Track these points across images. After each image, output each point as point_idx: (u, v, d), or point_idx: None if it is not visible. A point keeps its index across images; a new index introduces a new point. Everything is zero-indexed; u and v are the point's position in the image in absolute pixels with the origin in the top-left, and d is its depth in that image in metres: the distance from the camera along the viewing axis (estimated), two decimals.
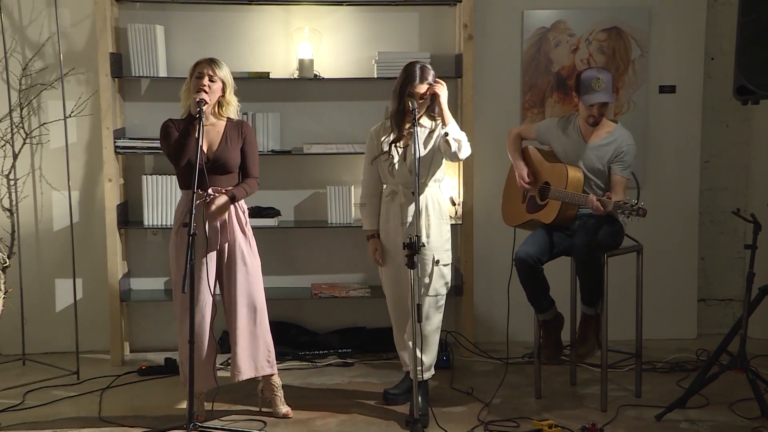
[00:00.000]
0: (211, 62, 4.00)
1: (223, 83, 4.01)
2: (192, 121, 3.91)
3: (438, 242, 4.11)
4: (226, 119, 4.09)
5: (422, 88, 4.01)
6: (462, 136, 4.03)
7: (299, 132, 5.19)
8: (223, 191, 4.00)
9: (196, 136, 3.85)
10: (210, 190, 3.98)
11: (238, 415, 4.21)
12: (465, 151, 4.03)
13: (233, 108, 4.09)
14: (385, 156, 4.11)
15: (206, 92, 3.93)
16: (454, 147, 3.97)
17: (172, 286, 4.12)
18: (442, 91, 4.03)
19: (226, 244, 4.06)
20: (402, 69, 4.10)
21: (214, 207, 3.97)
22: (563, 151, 4.33)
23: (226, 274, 4.09)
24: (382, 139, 4.13)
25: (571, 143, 4.31)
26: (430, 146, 4.09)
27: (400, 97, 4.05)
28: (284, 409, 4.20)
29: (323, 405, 4.35)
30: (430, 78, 4.03)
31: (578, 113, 4.32)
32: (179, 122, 4.02)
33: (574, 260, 4.28)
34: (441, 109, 4.02)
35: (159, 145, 4.80)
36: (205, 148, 4.01)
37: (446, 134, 3.97)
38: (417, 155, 3.85)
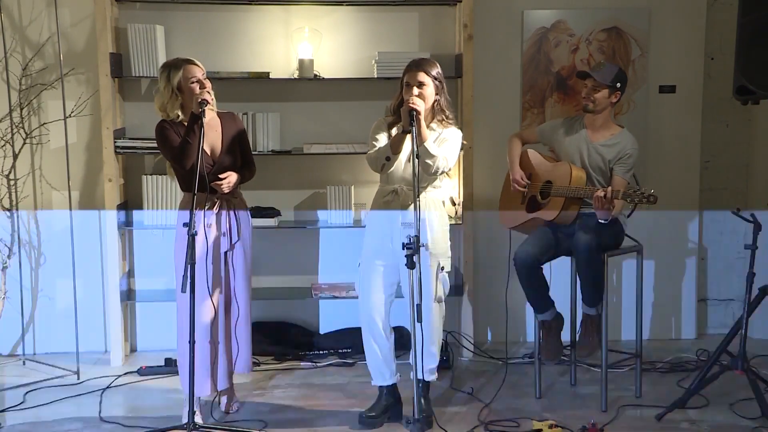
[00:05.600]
0: (195, 63, 4.01)
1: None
2: (196, 121, 3.88)
3: (442, 248, 4.05)
4: (216, 114, 4.11)
5: (418, 76, 3.92)
6: (438, 151, 3.88)
7: (299, 132, 5.19)
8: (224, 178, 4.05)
9: (199, 137, 3.84)
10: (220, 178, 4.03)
11: (235, 415, 4.22)
12: (443, 165, 3.91)
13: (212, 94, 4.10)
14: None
15: (209, 93, 3.95)
16: (432, 168, 3.87)
17: (176, 288, 4.11)
18: (421, 107, 3.84)
19: (233, 243, 4.10)
20: None
21: (225, 186, 4.00)
22: (567, 149, 4.33)
23: (229, 272, 4.12)
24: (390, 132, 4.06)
25: (575, 140, 4.32)
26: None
27: (400, 87, 4.01)
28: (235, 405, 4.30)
29: (323, 405, 4.35)
30: (433, 72, 3.95)
31: (584, 114, 4.34)
32: (175, 124, 4.01)
33: (574, 260, 4.29)
34: (419, 127, 3.80)
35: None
36: (208, 151, 4.03)
37: (418, 156, 3.75)
38: (416, 154, 3.80)
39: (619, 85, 4.25)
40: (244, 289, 4.17)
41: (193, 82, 3.96)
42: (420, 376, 3.85)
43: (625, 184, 4.21)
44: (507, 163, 4.51)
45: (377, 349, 4.09)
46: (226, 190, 4.02)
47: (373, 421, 4.07)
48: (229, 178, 4.02)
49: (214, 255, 4.02)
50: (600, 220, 4.11)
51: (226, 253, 4.09)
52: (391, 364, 4.12)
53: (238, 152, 4.12)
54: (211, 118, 4.08)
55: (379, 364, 4.11)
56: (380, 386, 4.16)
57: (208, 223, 4.01)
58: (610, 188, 4.03)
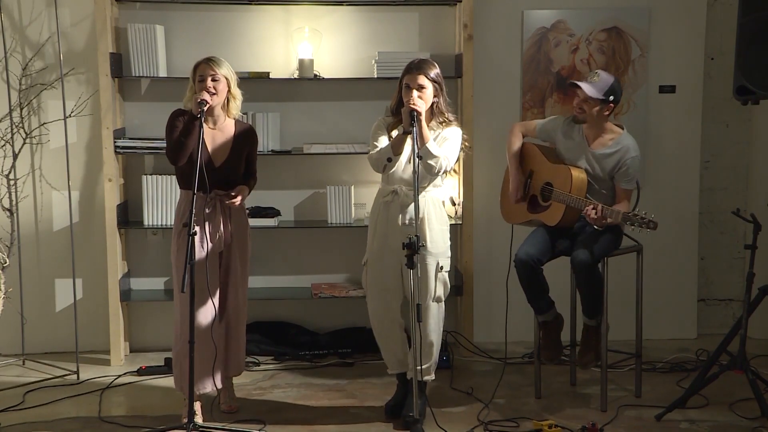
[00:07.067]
0: (210, 62, 3.99)
1: (227, 79, 4.02)
2: (194, 120, 3.89)
3: (441, 248, 4.04)
4: (233, 121, 4.11)
5: (418, 79, 3.90)
6: (440, 151, 3.89)
7: (299, 132, 5.19)
8: (236, 195, 4.04)
9: (197, 137, 3.84)
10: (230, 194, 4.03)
11: (235, 415, 4.22)
12: (444, 164, 3.93)
13: (239, 101, 4.11)
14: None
15: (211, 93, 3.93)
16: (435, 169, 3.89)
17: (174, 287, 4.11)
18: (422, 107, 3.86)
19: (227, 244, 4.08)
20: None
21: (237, 203, 4.02)
22: (565, 154, 4.27)
23: (223, 274, 4.11)
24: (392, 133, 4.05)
25: (574, 146, 4.25)
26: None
27: (399, 88, 4.00)
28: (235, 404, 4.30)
29: (323, 405, 4.36)
30: (432, 74, 3.92)
31: None
32: (187, 116, 4.00)
33: (573, 274, 4.27)
34: (420, 127, 3.81)
35: (159, 145, 4.86)
36: (211, 153, 4.02)
37: (420, 158, 3.79)
38: (417, 155, 3.80)
39: (612, 98, 4.10)
40: (239, 291, 4.16)
41: (199, 80, 3.97)
42: (419, 377, 3.86)
43: (629, 194, 4.20)
44: (507, 161, 4.48)
45: (390, 340, 4.15)
46: (238, 204, 4.03)
47: (397, 409, 4.14)
48: (241, 195, 4.03)
49: (208, 255, 4.02)
50: (594, 227, 4.08)
51: (220, 254, 4.09)
52: (405, 352, 4.15)
53: (243, 164, 4.12)
54: (226, 124, 4.09)
55: (393, 352, 4.16)
56: (396, 374, 4.22)
57: (203, 223, 4.00)
58: (600, 206, 3.96)
